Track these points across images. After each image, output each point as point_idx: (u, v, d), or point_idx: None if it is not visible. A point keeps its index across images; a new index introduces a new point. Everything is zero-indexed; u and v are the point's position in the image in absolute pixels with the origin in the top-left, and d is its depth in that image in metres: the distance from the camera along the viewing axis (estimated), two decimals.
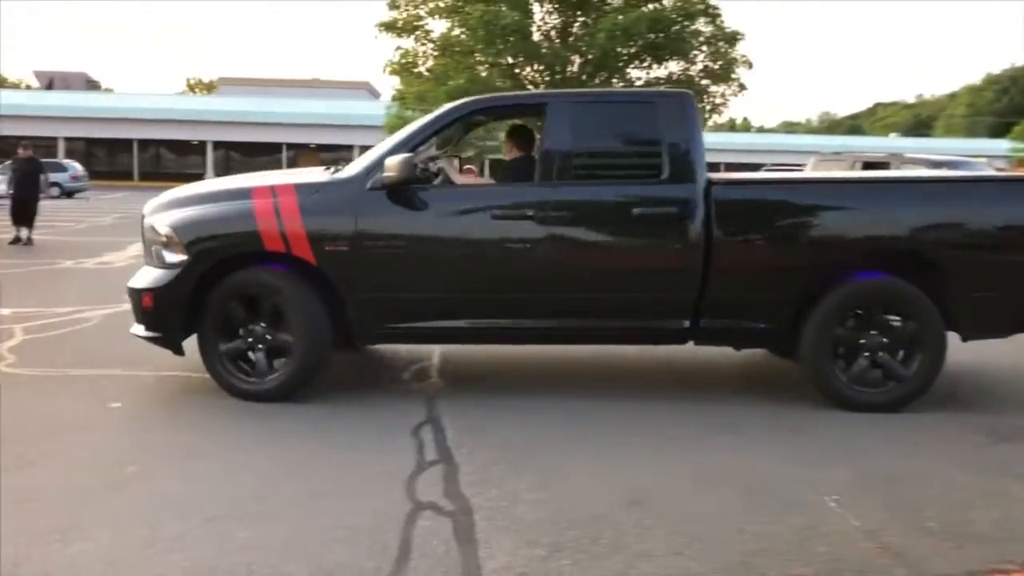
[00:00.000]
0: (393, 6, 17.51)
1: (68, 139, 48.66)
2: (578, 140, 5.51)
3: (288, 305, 5.44)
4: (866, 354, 5.39)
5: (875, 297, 5.41)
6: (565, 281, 5.45)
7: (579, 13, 17.11)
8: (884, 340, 5.39)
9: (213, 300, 5.49)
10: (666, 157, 5.39)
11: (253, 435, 4.82)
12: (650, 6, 16.60)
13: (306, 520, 3.66)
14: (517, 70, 17.10)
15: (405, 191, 5.42)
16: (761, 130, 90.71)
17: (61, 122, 47.56)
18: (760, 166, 31.75)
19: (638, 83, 17.49)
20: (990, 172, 6.31)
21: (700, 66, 17.66)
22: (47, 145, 43.23)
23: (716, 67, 17.50)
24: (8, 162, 18.99)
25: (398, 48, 17.65)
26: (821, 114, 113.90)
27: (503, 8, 15.60)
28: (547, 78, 17.16)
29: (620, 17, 15.51)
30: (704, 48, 17.50)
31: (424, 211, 5.47)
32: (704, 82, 17.76)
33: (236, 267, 5.51)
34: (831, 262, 5.39)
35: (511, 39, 15.32)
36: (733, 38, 17.52)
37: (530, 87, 17.34)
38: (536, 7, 16.98)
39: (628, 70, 17.32)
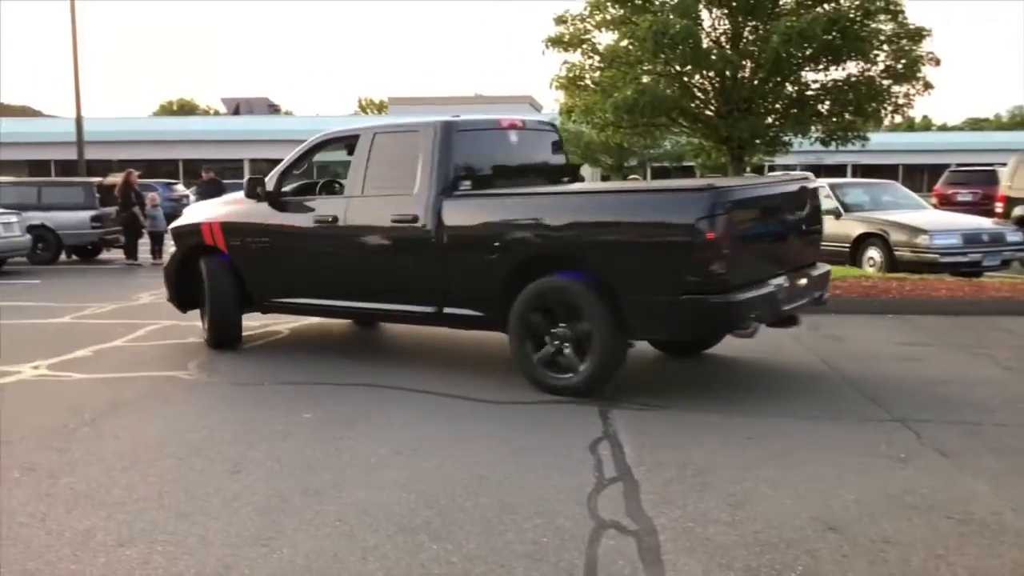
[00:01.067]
0: (560, 21, 17.59)
1: (252, 160, 51.84)
2: (368, 163, 7.09)
3: (205, 281, 7.79)
4: (553, 343, 6.06)
5: (552, 295, 6.09)
6: (357, 272, 7.08)
7: (750, 18, 16.61)
8: (566, 333, 6.01)
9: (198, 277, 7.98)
10: (418, 175, 6.68)
11: (436, 446, 4.95)
12: (826, 6, 15.88)
13: (491, 535, 3.71)
14: (685, 78, 16.76)
15: (281, 201, 7.51)
16: (944, 128, 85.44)
17: (246, 145, 50.76)
18: (943, 167, 29.73)
19: (814, 86, 16.80)
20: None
21: (882, 66, 16.73)
22: (234, 167, 46.14)
23: (899, 66, 16.51)
24: (195, 185, 21.05)
25: (565, 62, 17.73)
26: (1012, 108, 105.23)
27: (671, 17, 15.36)
28: (717, 84, 16.74)
29: (794, 19, 14.91)
30: (886, 47, 16.56)
31: (282, 216, 7.46)
32: (886, 82, 16.83)
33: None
34: (518, 263, 6.21)
35: (679, 47, 15.03)
36: (918, 35, 16.51)
37: (699, 94, 16.98)
38: (705, 14, 16.61)
39: (803, 73, 16.62)
